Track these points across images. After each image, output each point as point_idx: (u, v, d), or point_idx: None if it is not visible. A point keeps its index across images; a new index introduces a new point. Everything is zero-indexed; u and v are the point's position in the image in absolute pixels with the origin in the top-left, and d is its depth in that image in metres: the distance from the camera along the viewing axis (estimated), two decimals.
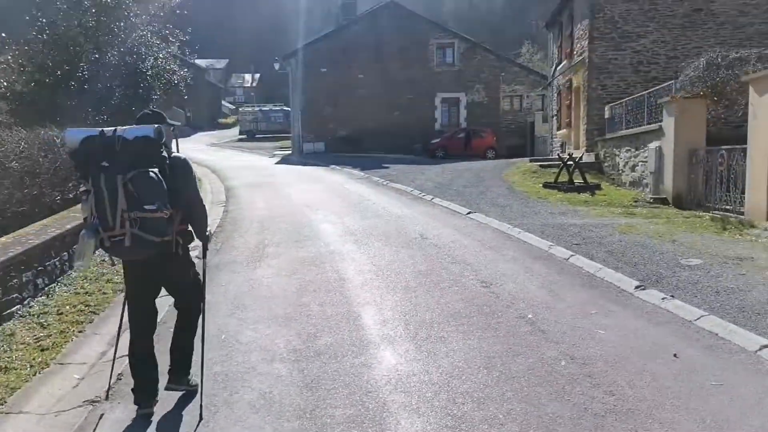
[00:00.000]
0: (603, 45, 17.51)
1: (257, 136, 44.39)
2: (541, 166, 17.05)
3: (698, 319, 4.78)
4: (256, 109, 48.60)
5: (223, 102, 65.27)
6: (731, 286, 5.53)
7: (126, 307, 3.55)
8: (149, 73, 15.47)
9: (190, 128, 47.46)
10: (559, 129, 21.96)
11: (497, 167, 18.03)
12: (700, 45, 16.66)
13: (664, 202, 11.61)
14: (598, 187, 14.05)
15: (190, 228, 3.56)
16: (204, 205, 3.65)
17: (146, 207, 3.11)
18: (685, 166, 11.33)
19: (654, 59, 17.27)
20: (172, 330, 3.73)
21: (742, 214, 9.08)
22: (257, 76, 72.96)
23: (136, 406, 3.47)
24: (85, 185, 3.19)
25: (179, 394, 3.67)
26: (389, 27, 29.70)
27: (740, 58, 10.69)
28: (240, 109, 51.79)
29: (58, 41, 14.52)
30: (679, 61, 15.89)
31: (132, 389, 3.50)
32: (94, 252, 3.31)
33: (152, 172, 3.16)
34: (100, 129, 3.28)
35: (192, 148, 31.55)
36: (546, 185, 14.21)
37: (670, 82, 13.02)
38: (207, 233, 3.63)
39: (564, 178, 14.51)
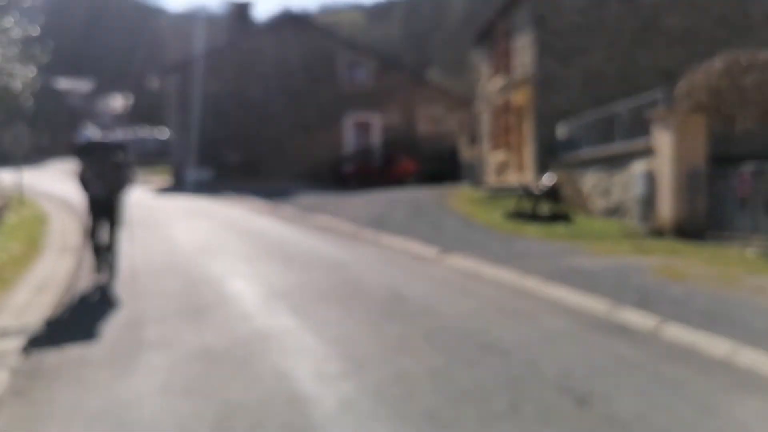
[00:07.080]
0: (550, 60, 16.14)
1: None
2: (486, 193, 15.16)
3: None
4: (127, 133, 43.70)
5: (88, 127, 58.93)
6: None
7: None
8: None
9: (43, 155, 41.97)
10: (493, 152, 20.41)
11: (434, 196, 15.86)
12: (650, 63, 15.75)
13: (658, 232, 9.93)
14: (567, 217, 12.30)
15: None
16: None
17: None
18: (686, 191, 9.75)
19: (603, 77, 16.08)
20: None
21: None
22: (129, 96, 67.03)
23: None
24: None
25: None
26: (291, 41, 27.17)
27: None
28: (109, 135, 46.57)
29: None
30: (629, 79, 14.91)
31: None
32: None
33: None
34: None
35: (49, 177, 26.76)
36: (507, 216, 12.25)
37: (650, 94, 11.49)
38: None
39: (524, 207, 12.69)
